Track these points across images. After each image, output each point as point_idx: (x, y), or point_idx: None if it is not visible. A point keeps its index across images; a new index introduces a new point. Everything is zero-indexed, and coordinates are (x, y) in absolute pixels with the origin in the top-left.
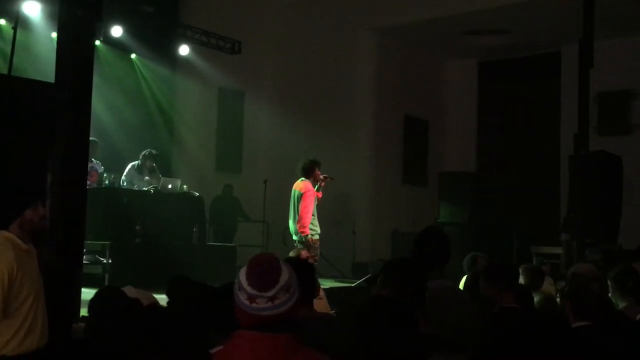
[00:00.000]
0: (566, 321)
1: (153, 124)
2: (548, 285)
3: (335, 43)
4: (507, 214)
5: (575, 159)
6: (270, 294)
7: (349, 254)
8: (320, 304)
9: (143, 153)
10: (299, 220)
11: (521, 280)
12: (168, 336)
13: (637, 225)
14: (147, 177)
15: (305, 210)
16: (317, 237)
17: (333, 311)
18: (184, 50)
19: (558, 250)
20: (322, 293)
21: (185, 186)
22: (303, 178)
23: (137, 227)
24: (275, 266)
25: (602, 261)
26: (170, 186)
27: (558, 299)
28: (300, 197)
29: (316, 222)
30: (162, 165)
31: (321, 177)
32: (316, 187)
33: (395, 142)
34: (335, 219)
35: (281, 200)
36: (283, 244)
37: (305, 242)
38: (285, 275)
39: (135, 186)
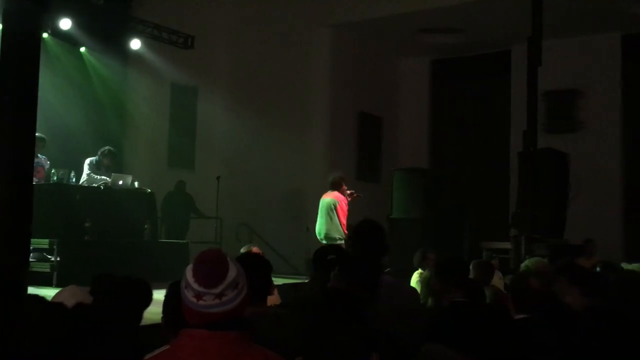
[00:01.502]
0: (507, 315)
1: (103, 120)
2: (497, 280)
3: (290, 39)
4: (459, 210)
5: (524, 156)
6: (217, 290)
7: (303, 250)
8: (272, 300)
9: (102, 150)
10: (343, 226)
11: (471, 274)
12: (92, 337)
13: (583, 220)
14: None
15: (345, 217)
16: (342, 242)
17: None
18: (135, 44)
19: (508, 245)
20: (274, 289)
21: (136, 182)
22: (332, 190)
23: (87, 224)
24: (222, 262)
25: (549, 256)
26: (121, 182)
27: None
28: (337, 205)
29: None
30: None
31: (347, 192)
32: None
33: (349, 138)
34: (289, 214)
35: (234, 196)
36: (236, 240)
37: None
38: (232, 271)
39: (85, 182)
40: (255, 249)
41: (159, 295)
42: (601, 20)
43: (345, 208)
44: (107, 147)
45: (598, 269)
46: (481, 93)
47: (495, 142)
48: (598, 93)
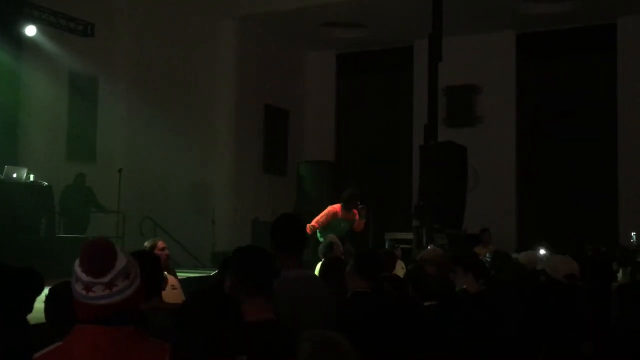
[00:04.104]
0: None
1: None
2: (400, 269)
3: (195, 29)
4: (364, 202)
5: (425, 149)
6: (106, 279)
7: (209, 243)
8: (175, 295)
9: None
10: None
11: None
12: None
13: (479, 211)
14: None
15: (317, 218)
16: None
17: None
18: (30, 31)
19: (410, 235)
20: (177, 283)
21: (32, 175)
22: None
23: None
24: (109, 250)
25: (448, 245)
26: (15, 175)
27: None
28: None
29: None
30: (6, 152)
31: (359, 206)
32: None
33: (255, 131)
34: (195, 208)
35: (137, 189)
36: (140, 234)
37: None
38: (122, 260)
39: None
40: (160, 243)
41: None
42: (498, 19)
43: (325, 214)
44: None
45: (488, 256)
46: (385, 87)
47: (399, 135)
48: (494, 89)
